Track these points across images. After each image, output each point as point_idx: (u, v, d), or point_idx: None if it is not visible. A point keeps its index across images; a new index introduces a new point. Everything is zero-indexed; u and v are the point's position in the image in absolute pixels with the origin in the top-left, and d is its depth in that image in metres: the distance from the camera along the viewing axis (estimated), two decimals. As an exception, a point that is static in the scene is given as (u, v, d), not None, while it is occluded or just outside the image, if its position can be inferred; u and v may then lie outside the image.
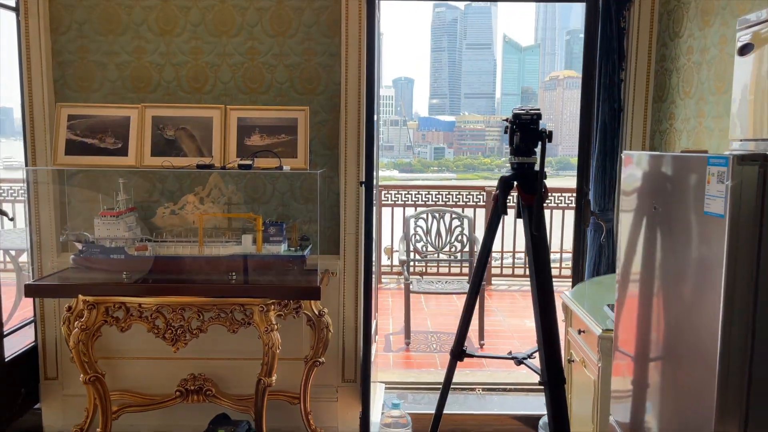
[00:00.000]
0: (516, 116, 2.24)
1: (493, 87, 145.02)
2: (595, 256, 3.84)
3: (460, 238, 6.24)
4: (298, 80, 3.65)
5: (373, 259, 4.03)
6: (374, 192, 3.76)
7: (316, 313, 3.99)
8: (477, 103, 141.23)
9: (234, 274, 3.80)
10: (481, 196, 7.96)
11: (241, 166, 3.65)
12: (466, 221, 6.21)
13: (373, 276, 4.13)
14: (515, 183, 2.53)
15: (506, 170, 2.63)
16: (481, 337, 5.74)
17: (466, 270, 7.25)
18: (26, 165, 4.13)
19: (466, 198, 8.01)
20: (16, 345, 4.26)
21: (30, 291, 3.65)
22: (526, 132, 2.40)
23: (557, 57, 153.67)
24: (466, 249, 6.18)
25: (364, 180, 3.65)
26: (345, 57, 3.93)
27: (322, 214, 4.04)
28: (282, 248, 3.78)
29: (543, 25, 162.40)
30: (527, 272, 8.02)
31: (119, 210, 3.79)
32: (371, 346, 4.02)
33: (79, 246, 3.85)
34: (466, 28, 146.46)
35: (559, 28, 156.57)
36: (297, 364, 3.64)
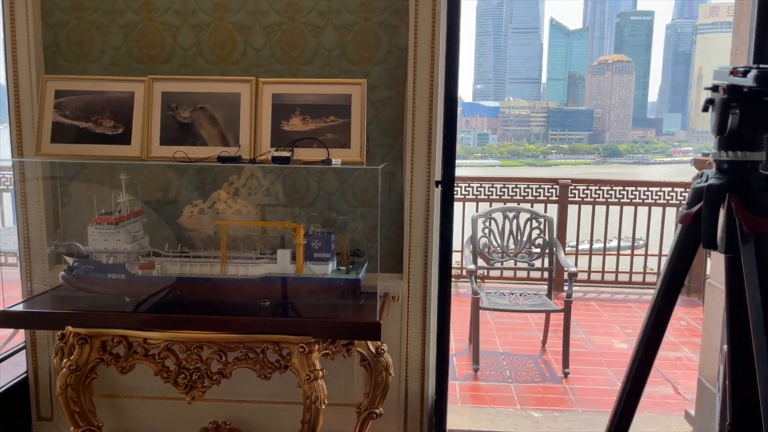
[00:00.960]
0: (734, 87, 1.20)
1: (539, 72, 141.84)
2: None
3: (537, 242, 5.12)
4: (351, 45, 3.02)
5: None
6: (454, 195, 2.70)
7: (373, 351, 2.99)
8: (522, 89, 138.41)
9: (267, 301, 2.82)
10: (553, 190, 6.80)
11: (276, 160, 2.65)
12: (545, 222, 5.08)
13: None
14: (728, 195, 1.42)
15: (701, 172, 1.53)
16: (566, 363, 4.63)
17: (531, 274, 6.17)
18: (12, 155, 3.20)
19: (536, 192, 6.87)
20: (6, 376, 3.40)
21: (1, 319, 2.73)
22: (758, 109, 1.31)
23: (606, 41, 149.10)
24: (525, 249, 5.07)
25: (440, 179, 2.59)
26: (414, 14, 2.87)
27: (381, 221, 3.01)
28: (330, 268, 2.77)
29: (592, 8, 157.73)
30: (605, 277, 6.83)
31: (119, 215, 2.83)
32: (445, 396, 2.99)
33: (70, 261, 2.91)
34: (512, 12, 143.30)
35: (609, 11, 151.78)
36: (347, 411, 3.18)
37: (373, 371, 3.10)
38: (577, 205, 7.01)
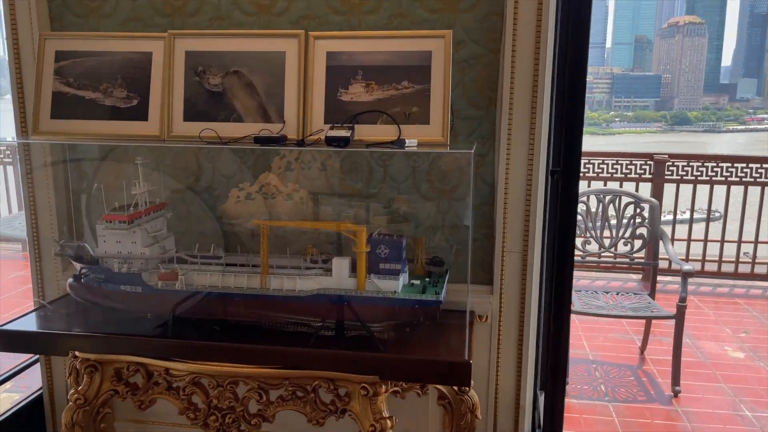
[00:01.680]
0: None
1: (604, 36, 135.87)
2: None
3: (639, 231, 4.23)
4: (429, -13, 2.17)
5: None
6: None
7: (455, 388, 2.22)
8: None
9: (320, 326, 2.10)
10: (647, 167, 5.83)
11: (332, 141, 1.91)
12: (649, 208, 4.18)
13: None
14: None
15: None
16: (676, 380, 3.79)
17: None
18: (17, 134, 2.59)
19: (626, 169, 5.91)
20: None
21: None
22: None
23: (677, 2, 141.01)
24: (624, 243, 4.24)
25: (559, 167, 1.79)
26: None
27: (467, 219, 2.24)
28: (400, 283, 2.01)
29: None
30: (705, 267, 5.87)
31: (135, 211, 2.15)
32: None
33: (78, 267, 2.26)
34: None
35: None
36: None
37: (454, 413, 2.37)
38: (674, 184, 6.01)
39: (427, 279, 2.30)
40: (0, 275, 6.54)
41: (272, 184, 2.60)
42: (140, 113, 2.28)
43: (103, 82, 2.32)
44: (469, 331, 2.19)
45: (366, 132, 2.12)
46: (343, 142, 1.99)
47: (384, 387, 2.12)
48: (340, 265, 2.20)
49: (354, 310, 2.16)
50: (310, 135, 2.12)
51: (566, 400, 4.11)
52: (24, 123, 2.66)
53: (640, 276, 6.21)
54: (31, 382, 3.16)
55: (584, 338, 5.00)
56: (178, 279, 2.20)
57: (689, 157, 6.05)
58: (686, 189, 6.16)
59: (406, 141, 2.05)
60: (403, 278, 2.23)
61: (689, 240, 6.30)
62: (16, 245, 7.03)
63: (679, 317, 3.94)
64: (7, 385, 3.24)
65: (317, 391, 2.19)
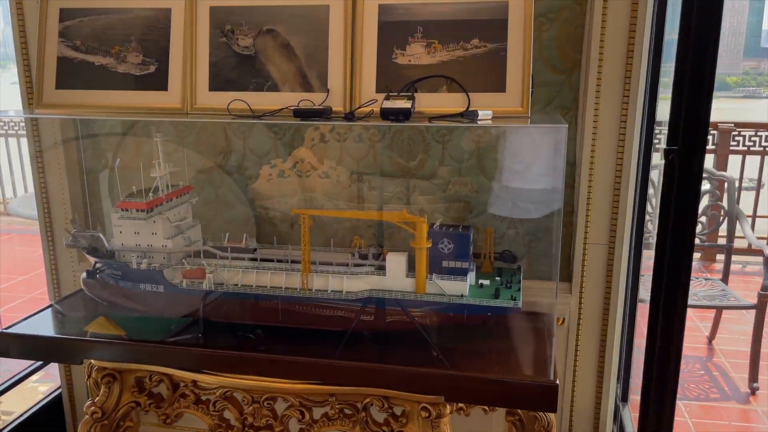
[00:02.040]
0: None
1: None
2: None
3: (708, 212, 3.77)
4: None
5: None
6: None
7: None
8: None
9: (370, 335, 1.74)
10: (757, 138, 5.31)
11: (388, 114, 1.51)
12: (723, 184, 3.70)
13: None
14: None
15: None
16: (754, 376, 3.38)
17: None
18: (23, 108, 2.26)
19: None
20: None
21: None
22: None
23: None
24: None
25: (675, 145, 1.38)
26: None
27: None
28: (467, 285, 1.63)
29: None
30: None
31: (155, 197, 1.81)
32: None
33: (92, 261, 1.94)
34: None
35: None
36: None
37: (525, 431, 1.98)
38: (740, 156, 5.48)
39: (497, 278, 1.91)
40: (23, 252, 6.34)
41: (306, 161, 2.23)
42: (159, 82, 1.93)
43: (115, 45, 1.96)
44: (553, 353, 1.81)
45: (426, 102, 1.73)
46: (403, 115, 1.60)
47: (449, 408, 1.76)
48: (396, 262, 1.82)
49: (412, 316, 1.78)
50: (361, 107, 1.72)
51: (630, 396, 3.71)
52: (31, 95, 2.31)
53: (698, 255, 5.73)
54: (56, 370, 2.90)
55: (644, 326, 4.54)
56: (205, 277, 1.85)
57: (757, 126, 5.50)
58: (752, 161, 5.63)
59: (479, 113, 1.64)
60: (470, 278, 1.85)
61: (754, 216, 5.78)
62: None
63: (761, 308, 3.50)
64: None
65: (368, 409, 1.84)
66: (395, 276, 1.84)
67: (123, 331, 1.95)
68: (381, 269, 1.88)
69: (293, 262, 1.94)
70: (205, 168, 2.30)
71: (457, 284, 1.79)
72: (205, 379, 1.90)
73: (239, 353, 1.85)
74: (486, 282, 1.91)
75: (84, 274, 2.12)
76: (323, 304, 1.87)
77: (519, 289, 1.84)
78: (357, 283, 1.86)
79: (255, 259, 1.96)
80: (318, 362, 1.82)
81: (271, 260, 1.98)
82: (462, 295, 1.79)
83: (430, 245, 1.80)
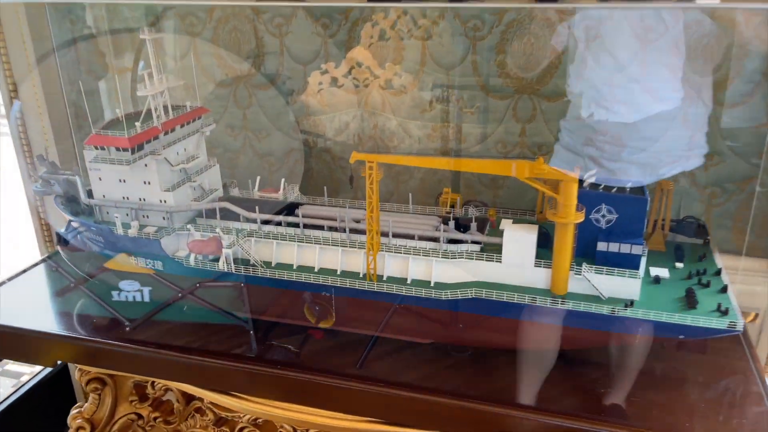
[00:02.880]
0: None
1: None
2: None
3: None
4: None
5: None
6: None
7: None
8: None
9: (468, 352, 1.03)
10: None
11: None
12: None
13: None
14: None
15: None
16: None
17: None
18: None
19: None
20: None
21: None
22: None
23: None
24: None
25: None
26: None
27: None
28: (639, 284, 0.84)
29: None
30: None
31: (146, 128, 1.08)
32: None
33: (66, 217, 1.27)
34: None
35: None
36: None
37: None
38: None
39: (678, 264, 1.17)
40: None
41: (364, 65, 1.69)
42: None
43: None
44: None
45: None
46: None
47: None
48: (520, 241, 1.09)
49: (552, 330, 1.07)
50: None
51: None
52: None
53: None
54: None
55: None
56: (221, 252, 1.17)
57: None
58: None
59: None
60: (642, 267, 1.12)
61: None
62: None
63: None
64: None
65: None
66: (517, 263, 1.10)
67: (150, 269, 1.32)
68: (491, 250, 1.14)
69: (354, 231, 1.22)
70: (227, 79, 1.58)
71: (623, 283, 1.05)
72: (230, 402, 1.24)
73: (273, 372, 1.18)
74: (662, 271, 1.17)
75: (60, 233, 1.47)
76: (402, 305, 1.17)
77: (725, 291, 1.09)
78: (452, 271, 1.16)
79: (295, 225, 1.26)
80: (392, 394, 1.13)
81: (321, 227, 1.27)
82: (631, 303, 1.06)
83: (581, 219, 1.04)
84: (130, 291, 1.42)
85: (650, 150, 1.37)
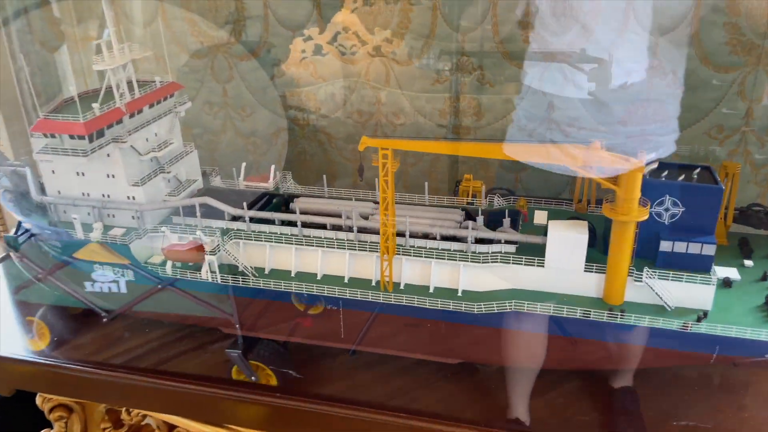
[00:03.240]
0: None
1: None
2: None
3: None
4: None
5: None
6: None
7: None
8: None
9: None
10: None
11: None
12: None
13: None
14: None
15: None
16: None
17: None
18: None
19: None
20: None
21: None
22: None
23: None
24: None
25: None
26: None
27: None
28: (712, 291, 0.62)
29: None
30: None
31: (106, 110, 0.80)
32: None
33: (18, 217, 1.00)
34: None
35: None
36: None
37: None
38: None
39: (746, 261, 1.00)
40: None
41: (351, 30, 1.33)
42: None
43: None
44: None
45: None
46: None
47: None
48: (568, 240, 0.90)
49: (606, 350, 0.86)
50: None
51: None
52: None
53: None
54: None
55: None
56: (203, 258, 0.94)
57: None
58: None
59: None
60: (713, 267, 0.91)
61: None
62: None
63: None
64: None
65: None
66: (564, 267, 0.90)
67: (125, 259, 1.09)
68: (527, 250, 0.93)
69: (363, 231, 1.00)
70: (202, 48, 1.33)
71: (693, 290, 0.87)
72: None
73: (279, 401, 0.97)
74: (731, 272, 1.00)
75: (5, 237, 1.22)
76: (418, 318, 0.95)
77: None
78: (483, 277, 0.94)
79: (292, 223, 1.03)
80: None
81: (323, 226, 1.04)
82: (704, 313, 0.87)
83: (645, 215, 0.83)
84: (104, 282, 1.24)
85: (619, 130, 1.19)
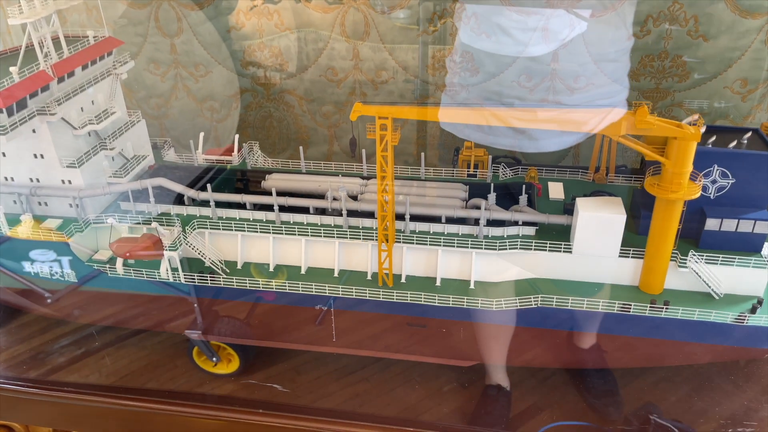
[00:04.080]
0: None
1: None
2: None
3: None
4: None
5: None
6: None
7: None
8: None
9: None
10: None
11: None
12: None
13: None
14: None
15: None
16: None
17: None
18: None
19: None
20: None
21: None
22: None
23: None
24: None
25: None
26: None
27: None
28: (766, 275, 0.43)
29: None
30: None
31: (24, 77, 0.51)
32: None
33: None
34: None
35: None
36: None
37: None
38: None
39: None
40: None
41: None
42: None
43: None
44: None
45: None
46: None
47: None
48: (604, 227, 0.66)
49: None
50: None
51: None
52: None
53: None
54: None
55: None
56: (162, 254, 0.71)
57: None
58: None
59: None
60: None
61: None
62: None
63: None
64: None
65: None
66: (596, 252, 0.70)
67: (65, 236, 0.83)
68: (549, 232, 0.74)
69: (352, 214, 0.79)
70: None
71: (745, 275, 0.69)
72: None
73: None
74: None
75: None
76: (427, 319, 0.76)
77: None
78: (498, 264, 0.73)
79: (266, 207, 0.81)
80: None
81: (305, 210, 0.83)
82: (759, 302, 0.69)
83: (698, 193, 0.65)
84: (45, 261, 1.03)
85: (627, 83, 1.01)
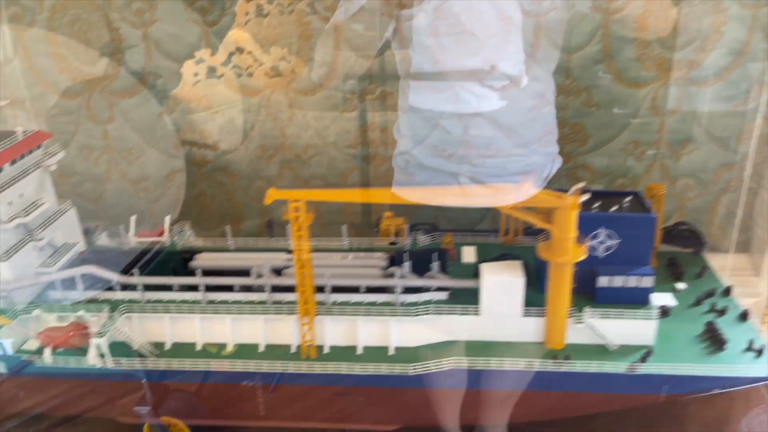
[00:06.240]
0: None
1: None
2: None
3: None
4: None
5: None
6: None
7: None
8: None
9: None
10: None
11: None
12: None
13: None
14: None
15: None
16: None
17: None
18: None
19: None
20: None
21: None
22: None
23: None
24: None
25: None
26: None
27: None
28: (654, 325, 0.52)
29: None
30: None
31: None
32: None
33: None
34: None
35: None
36: None
37: None
38: None
39: (678, 284, 0.93)
40: None
41: (246, 50, 1.16)
42: None
43: None
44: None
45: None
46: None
47: None
48: (506, 288, 0.79)
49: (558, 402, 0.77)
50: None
51: None
52: None
53: None
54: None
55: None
56: (88, 341, 0.75)
57: None
58: None
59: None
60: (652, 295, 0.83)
61: None
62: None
63: None
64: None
65: None
66: (501, 313, 0.80)
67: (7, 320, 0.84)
68: (461, 296, 0.84)
69: (277, 290, 0.86)
70: (75, 86, 1.13)
71: (635, 326, 0.79)
72: None
73: None
74: (666, 298, 0.93)
75: None
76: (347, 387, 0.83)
77: (745, 317, 0.85)
78: (415, 331, 0.82)
79: (193, 287, 0.87)
80: None
81: (229, 288, 0.89)
82: (648, 352, 0.80)
83: (584, 255, 0.76)
84: None
85: (537, 150, 1.11)
